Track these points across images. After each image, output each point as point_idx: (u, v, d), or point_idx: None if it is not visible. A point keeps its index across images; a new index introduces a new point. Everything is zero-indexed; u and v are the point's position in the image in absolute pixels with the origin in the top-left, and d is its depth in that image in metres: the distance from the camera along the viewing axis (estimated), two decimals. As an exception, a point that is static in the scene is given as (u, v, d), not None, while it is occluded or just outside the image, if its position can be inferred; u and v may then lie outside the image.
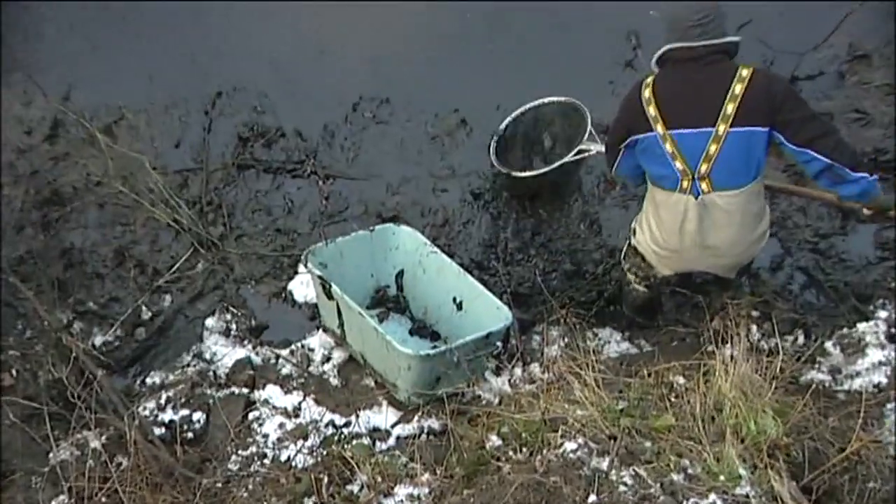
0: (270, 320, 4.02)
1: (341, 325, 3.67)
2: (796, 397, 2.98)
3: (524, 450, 2.92)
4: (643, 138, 3.27)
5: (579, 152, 4.06)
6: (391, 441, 3.36)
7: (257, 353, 3.81)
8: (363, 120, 4.58)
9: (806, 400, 2.93)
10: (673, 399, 3.02)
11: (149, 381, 3.74)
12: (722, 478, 2.68)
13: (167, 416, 3.48)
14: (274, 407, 3.54)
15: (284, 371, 3.73)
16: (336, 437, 3.36)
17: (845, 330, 3.55)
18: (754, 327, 3.56)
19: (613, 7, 4.65)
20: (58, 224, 4.20)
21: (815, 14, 4.60)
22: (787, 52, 4.44)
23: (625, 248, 3.66)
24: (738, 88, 3.11)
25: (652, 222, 3.40)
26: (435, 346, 3.68)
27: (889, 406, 3.12)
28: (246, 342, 3.87)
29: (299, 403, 3.56)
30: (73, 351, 3.54)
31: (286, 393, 3.61)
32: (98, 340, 3.87)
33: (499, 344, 3.47)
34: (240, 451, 3.35)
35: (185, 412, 3.48)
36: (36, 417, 3.43)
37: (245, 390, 3.62)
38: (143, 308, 3.99)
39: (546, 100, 4.27)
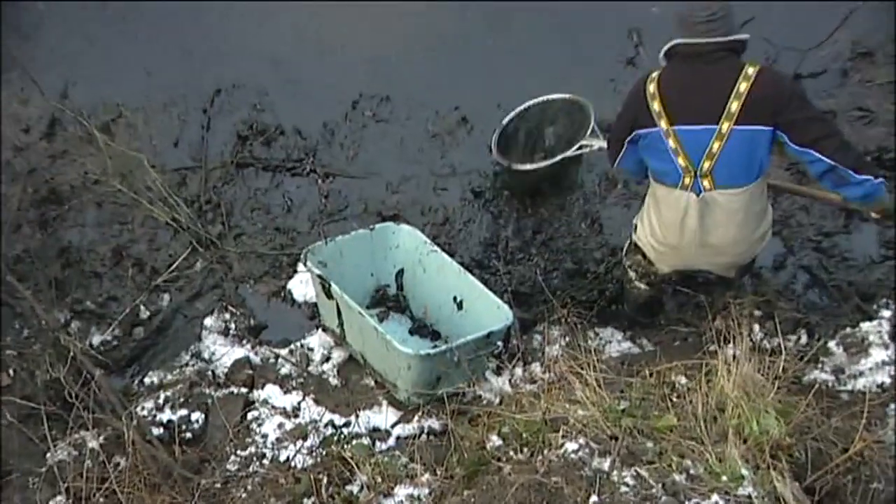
0: (269, 319, 4.01)
1: (341, 324, 3.66)
2: (799, 397, 2.97)
3: (525, 450, 2.91)
4: (647, 133, 3.27)
5: (581, 147, 4.04)
6: (391, 441, 3.35)
7: (256, 353, 3.80)
8: (363, 118, 4.58)
9: (809, 400, 2.93)
10: (675, 399, 3.01)
11: (147, 380, 3.73)
12: (724, 478, 2.67)
13: (165, 415, 3.47)
14: (273, 407, 3.54)
15: (284, 371, 3.72)
16: (336, 438, 3.35)
17: (848, 329, 3.54)
18: (757, 327, 3.54)
19: (615, 5, 4.64)
20: (55, 223, 4.21)
21: (819, 11, 4.59)
22: (790, 49, 4.43)
23: (626, 245, 3.65)
24: (743, 86, 3.10)
25: (653, 218, 3.39)
26: (435, 346, 3.67)
27: (892, 406, 3.11)
28: (245, 341, 3.86)
29: (299, 403, 3.55)
30: (71, 350, 3.53)
31: (285, 393, 3.60)
32: (96, 340, 3.87)
33: (499, 343, 3.46)
34: (239, 452, 3.35)
35: (183, 412, 3.48)
36: (33, 417, 3.42)
37: (244, 390, 3.61)
38: (142, 307, 3.99)
39: (550, 97, 4.25)
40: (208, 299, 4.04)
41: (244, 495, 3.11)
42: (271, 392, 3.60)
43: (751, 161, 3.18)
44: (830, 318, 3.74)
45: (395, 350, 3.34)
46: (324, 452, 3.26)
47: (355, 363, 3.72)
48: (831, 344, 3.48)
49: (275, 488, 3.10)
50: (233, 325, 3.94)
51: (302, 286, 4.04)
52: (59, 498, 3.19)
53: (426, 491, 2.93)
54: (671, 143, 3.20)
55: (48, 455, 3.34)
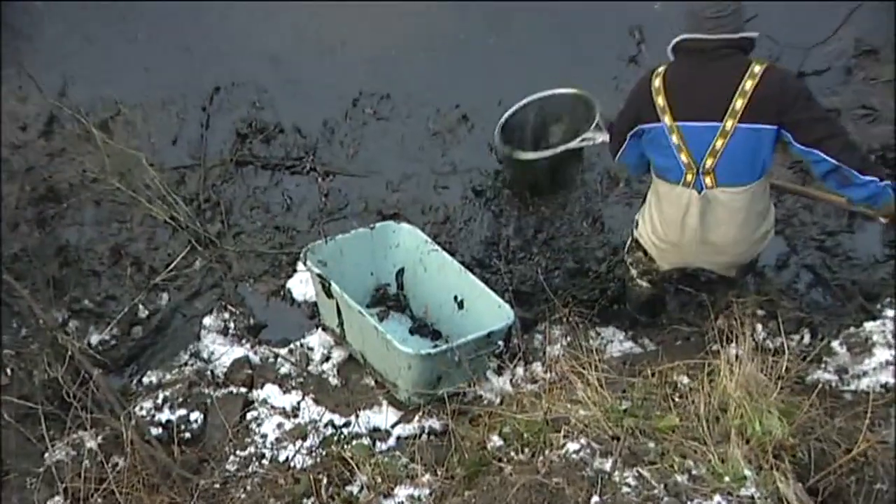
0: (269, 319, 4.01)
1: (341, 323, 3.65)
2: (802, 397, 2.95)
3: (526, 450, 2.90)
4: (650, 128, 3.26)
5: (584, 140, 4.03)
6: (391, 441, 3.35)
7: (256, 352, 3.79)
8: (363, 116, 4.58)
9: (812, 400, 2.91)
10: (677, 399, 3.01)
11: (145, 380, 3.72)
12: (727, 479, 2.66)
13: (164, 415, 3.46)
14: (272, 407, 3.53)
15: (283, 370, 3.72)
16: (335, 438, 3.34)
17: (852, 329, 3.52)
18: (759, 326, 3.53)
19: (615, 4, 4.63)
20: (53, 221, 4.20)
21: (822, 9, 4.58)
22: (794, 46, 4.42)
23: (628, 242, 3.64)
24: (748, 84, 3.09)
25: (654, 214, 3.39)
26: (436, 345, 3.66)
27: (896, 406, 3.10)
28: (244, 341, 3.85)
29: (298, 403, 3.54)
30: (69, 350, 3.51)
31: (285, 392, 3.59)
32: (94, 339, 3.86)
33: (500, 343, 3.45)
34: (238, 452, 3.34)
35: (182, 412, 3.47)
36: (31, 417, 3.41)
37: (243, 390, 3.60)
38: (140, 306, 3.98)
39: (556, 91, 4.22)
40: (207, 298, 4.04)
41: (243, 496, 3.10)
42: (271, 392, 3.59)
43: (754, 160, 3.17)
44: (834, 318, 3.73)
45: (395, 349, 3.33)
46: (323, 452, 3.25)
47: (355, 363, 3.71)
48: (835, 344, 3.47)
49: (274, 489, 3.09)
50: (232, 325, 3.93)
51: (302, 285, 4.03)
52: (57, 498, 3.17)
53: (427, 491, 2.92)
54: (674, 139, 3.19)
55: (46, 455, 3.33)
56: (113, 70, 4.62)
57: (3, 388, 3.55)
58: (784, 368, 3.05)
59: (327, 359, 3.75)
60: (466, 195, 4.33)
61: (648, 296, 3.72)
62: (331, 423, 3.43)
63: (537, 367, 3.49)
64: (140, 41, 4.74)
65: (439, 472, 2.97)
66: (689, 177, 3.21)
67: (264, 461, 3.28)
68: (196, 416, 3.46)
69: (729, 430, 2.78)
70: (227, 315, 3.95)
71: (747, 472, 2.67)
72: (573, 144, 4.05)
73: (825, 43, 4.51)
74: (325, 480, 3.04)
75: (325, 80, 4.64)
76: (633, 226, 3.58)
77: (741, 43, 3.15)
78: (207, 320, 3.93)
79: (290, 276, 4.09)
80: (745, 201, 3.22)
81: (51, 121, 4.45)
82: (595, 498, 2.62)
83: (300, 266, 3.90)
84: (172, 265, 4.06)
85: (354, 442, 3.26)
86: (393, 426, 3.41)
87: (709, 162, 3.17)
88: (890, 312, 3.56)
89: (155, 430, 3.39)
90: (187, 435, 3.41)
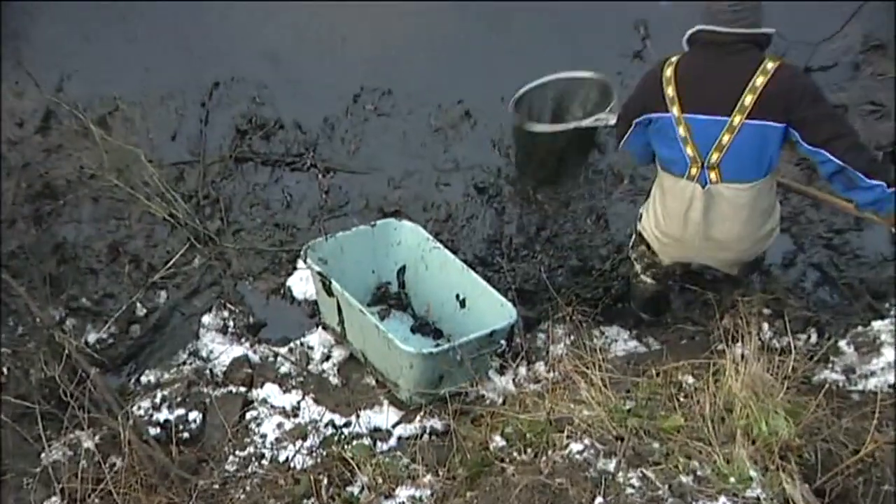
0: (269, 317, 4.00)
1: (341, 322, 3.64)
2: (809, 397, 2.94)
3: (529, 451, 2.89)
4: (657, 118, 3.25)
5: (597, 120, 4.00)
6: (392, 441, 3.33)
7: (255, 351, 3.78)
8: (364, 112, 4.58)
9: (819, 400, 2.90)
10: (682, 399, 3.00)
11: (143, 379, 3.70)
12: (732, 480, 2.65)
13: (162, 415, 3.44)
14: (272, 406, 3.52)
15: (283, 369, 3.70)
16: (336, 438, 3.33)
17: (860, 328, 3.52)
18: (766, 325, 3.52)
19: (615, 4, 4.64)
20: (50, 218, 4.19)
21: (822, 8, 4.56)
22: (801, 42, 4.38)
23: (633, 237, 3.64)
24: (759, 80, 3.07)
25: (658, 208, 3.39)
26: (437, 345, 3.65)
27: (904, 406, 3.08)
28: (243, 340, 3.84)
29: (298, 403, 3.53)
30: (66, 348, 3.50)
31: (285, 392, 3.58)
32: (91, 338, 3.85)
33: (503, 342, 3.44)
34: (237, 452, 3.32)
35: (180, 411, 3.45)
36: (28, 417, 3.39)
37: (243, 389, 3.59)
38: (138, 304, 3.97)
39: (576, 74, 4.19)
40: (206, 296, 4.02)
41: (243, 496, 3.09)
42: (270, 391, 3.57)
43: (760, 157, 3.15)
44: (841, 317, 3.73)
45: (396, 349, 3.32)
46: (324, 453, 3.24)
47: (356, 362, 3.70)
48: (842, 343, 3.46)
49: (274, 489, 3.08)
50: (231, 323, 3.91)
51: (302, 283, 4.02)
52: (53, 499, 3.16)
53: (428, 492, 2.90)
54: (681, 131, 3.18)
55: (43, 455, 3.31)
56: (112, 68, 4.62)
57: (0, 387, 3.54)
58: (790, 368, 3.04)
59: (328, 358, 3.73)
60: (469, 192, 4.32)
61: (653, 292, 3.71)
62: (331, 422, 3.42)
63: (540, 367, 3.49)
64: (140, 41, 4.75)
65: (441, 473, 2.96)
66: (694, 170, 3.20)
67: (264, 461, 3.27)
68: (195, 415, 3.44)
69: (734, 430, 2.77)
70: (226, 313, 3.94)
71: (753, 473, 2.66)
72: (586, 123, 4.03)
73: (832, 39, 4.50)
74: (325, 481, 3.03)
75: (325, 80, 4.64)
76: (636, 219, 3.57)
77: (757, 38, 3.14)
78: (206, 319, 3.91)
79: (290, 274, 4.08)
80: (750, 198, 3.20)
81: (48, 117, 4.45)
82: (599, 499, 2.61)
83: (300, 264, 3.88)
84: (171, 263, 4.05)
85: (355, 442, 3.25)
86: (394, 426, 3.40)
87: (714, 156, 3.16)
88: (898, 311, 3.57)
89: (153, 430, 3.38)
90: (186, 435, 3.39)
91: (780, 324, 3.47)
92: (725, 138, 3.12)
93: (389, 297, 3.92)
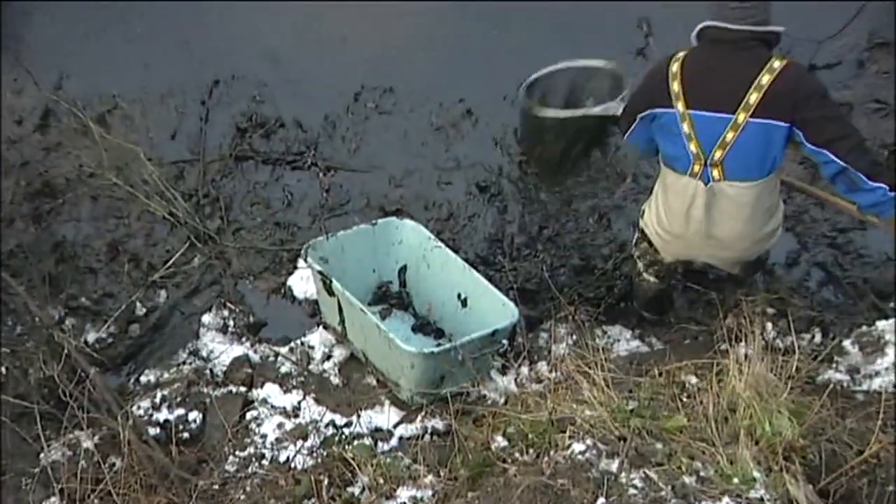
0: (269, 317, 3.99)
1: (342, 321, 3.63)
2: (813, 398, 2.93)
3: (531, 451, 2.89)
4: (662, 113, 3.24)
5: (607, 108, 3.98)
6: (393, 442, 3.33)
7: (255, 351, 3.78)
8: (365, 110, 4.57)
9: (823, 400, 2.88)
10: (685, 399, 2.98)
11: (143, 379, 3.70)
12: (735, 480, 2.64)
13: (162, 415, 3.44)
14: (273, 406, 3.51)
15: (283, 369, 3.69)
16: (337, 438, 3.33)
17: (864, 328, 3.50)
18: (769, 325, 3.52)
19: (615, 5, 4.64)
20: (49, 217, 4.19)
21: (822, 8, 4.54)
22: (805, 39, 4.38)
23: (636, 235, 3.63)
24: (765, 79, 3.06)
25: (660, 205, 3.38)
26: (439, 344, 3.64)
27: (908, 406, 3.07)
28: (244, 339, 3.83)
29: (299, 403, 3.52)
30: (65, 348, 3.50)
31: (285, 392, 3.57)
32: (91, 337, 3.84)
33: (505, 342, 3.44)
34: (237, 452, 3.32)
35: (180, 411, 3.44)
36: (26, 416, 3.39)
37: (243, 389, 3.58)
38: (138, 304, 3.97)
39: (590, 62, 4.17)
40: (206, 296, 4.02)
41: (243, 497, 3.09)
42: (271, 391, 3.57)
43: (764, 155, 3.14)
44: (845, 317, 3.72)
45: (397, 348, 3.31)
46: (324, 453, 3.23)
47: (357, 362, 3.69)
48: (846, 343, 3.45)
49: (274, 490, 3.07)
50: (231, 323, 3.91)
51: (302, 282, 4.01)
52: (52, 499, 3.15)
53: (429, 493, 2.90)
54: (685, 127, 3.17)
55: (42, 455, 3.31)
56: (111, 67, 4.63)
57: (-1, 387, 3.55)
58: (794, 368, 3.02)
59: (328, 357, 3.73)
60: (470, 191, 4.31)
61: (656, 291, 3.70)
62: (332, 423, 3.41)
63: (542, 367, 3.48)
64: (139, 40, 4.75)
65: (442, 473, 2.96)
66: (697, 167, 3.19)
67: (264, 462, 3.27)
68: (195, 415, 3.44)
69: (738, 430, 2.76)
70: (226, 313, 3.93)
71: (756, 474, 2.64)
72: (594, 111, 4.01)
73: (837, 36, 4.49)
74: (326, 481, 3.02)
75: (325, 79, 4.64)
76: (638, 215, 3.57)
77: (766, 36, 3.13)
78: (206, 318, 3.91)
79: (290, 273, 4.07)
80: (753, 197, 3.19)
81: (47, 115, 4.46)
82: (601, 500, 2.59)
83: (301, 263, 3.87)
84: (171, 262, 4.05)
85: (356, 442, 3.25)
86: (395, 426, 3.40)
87: (718, 154, 3.15)
88: (902, 311, 3.56)
89: (153, 430, 3.37)
90: (186, 435, 3.39)
91: (784, 323, 3.47)
92: (729, 136, 3.11)
93: (390, 297, 3.91)
